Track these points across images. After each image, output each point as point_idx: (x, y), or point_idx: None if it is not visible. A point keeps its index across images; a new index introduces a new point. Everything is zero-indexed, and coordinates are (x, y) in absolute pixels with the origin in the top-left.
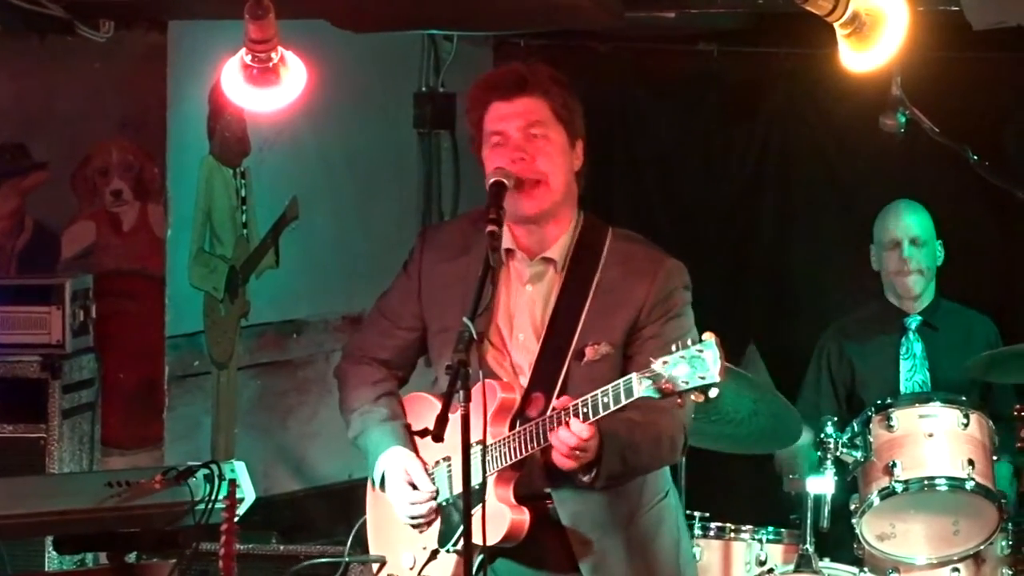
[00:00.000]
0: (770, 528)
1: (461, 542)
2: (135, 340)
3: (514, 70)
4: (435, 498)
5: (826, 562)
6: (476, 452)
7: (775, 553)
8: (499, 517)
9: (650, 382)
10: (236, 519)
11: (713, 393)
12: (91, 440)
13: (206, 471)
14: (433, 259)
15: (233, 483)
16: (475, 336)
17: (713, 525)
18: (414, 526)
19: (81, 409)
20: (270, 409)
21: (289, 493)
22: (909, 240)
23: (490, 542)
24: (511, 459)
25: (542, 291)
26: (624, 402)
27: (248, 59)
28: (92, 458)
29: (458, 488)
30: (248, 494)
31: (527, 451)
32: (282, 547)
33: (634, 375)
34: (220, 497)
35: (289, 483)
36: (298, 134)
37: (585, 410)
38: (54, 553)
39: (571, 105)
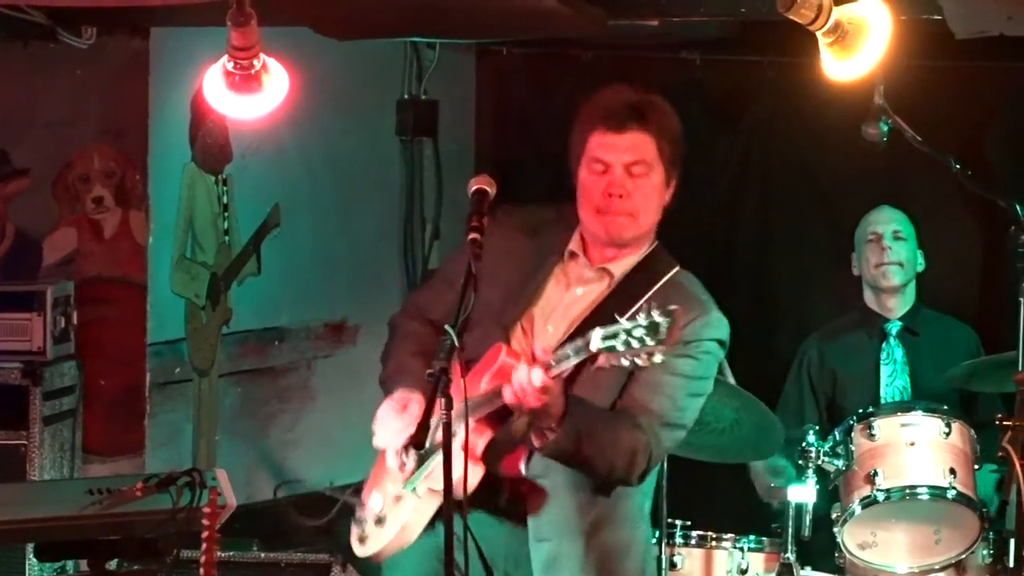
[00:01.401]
0: (752, 537)
1: (421, 487)
2: (116, 347)
3: (630, 98)
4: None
5: (808, 571)
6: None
7: (756, 562)
8: (455, 461)
9: (609, 337)
10: (217, 527)
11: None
12: (72, 447)
13: (187, 479)
14: (500, 232)
15: (214, 491)
16: (456, 345)
17: (695, 533)
18: (398, 450)
19: (62, 416)
20: (251, 416)
21: (270, 501)
22: (891, 232)
23: (439, 485)
24: (483, 411)
25: (589, 296)
26: (583, 355)
27: (230, 66)
28: (73, 465)
29: (437, 438)
30: (229, 502)
31: (497, 403)
32: (263, 554)
33: (596, 328)
34: (201, 505)
35: (271, 491)
36: (280, 141)
37: (549, 361)
38: (35, 560)
39: (676, 140)
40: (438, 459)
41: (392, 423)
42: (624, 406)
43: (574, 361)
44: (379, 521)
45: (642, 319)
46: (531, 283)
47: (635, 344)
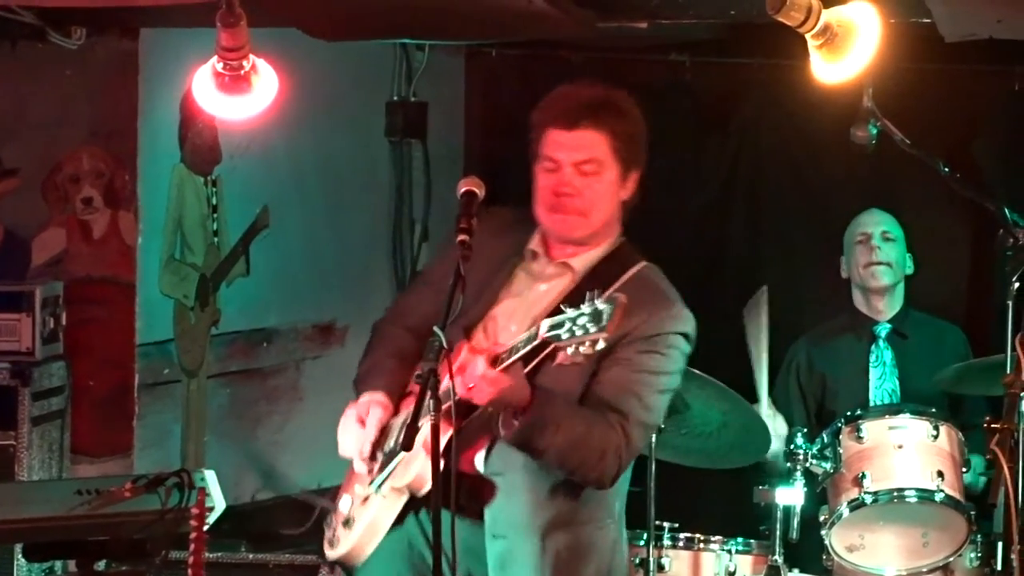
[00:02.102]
0: (739, 539)
1: (385, 487)
2: (105, 348)
3: (582, 96)
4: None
5: (795, 573)
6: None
7: (744, 564)
8: (414, 458)
9: (555, 327)
10: (205, 527)
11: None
12: (61, 448)
13: (176, 479)
14: (478, 236)
15: (203, 491)
16: (445, 346)
17: (682, 536)
18: (364, 459)
19: (51, 416)
20: (240, 417)
21: (259, 502)
22: (880, 233)
23: (401, 482)
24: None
25: (552, 292)
26: (533, 344)
27: (220, 67)
28: (61, 466)
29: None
30: (218, 503)
31: (455, 395)
32: (251, 555)
33: (545, 319)
34: (190, 506)
35: (259, 492)
36: (269, 142)
37: (500, 354)
38: (23, 561)
39: (634, 137)
40: (400, 458)
41: (352, 433)
42: (592, 406)
43: (524, 351)
44: (347, 523)
45: (586, 307)
46: (493, 285)
47: (578, 332)
